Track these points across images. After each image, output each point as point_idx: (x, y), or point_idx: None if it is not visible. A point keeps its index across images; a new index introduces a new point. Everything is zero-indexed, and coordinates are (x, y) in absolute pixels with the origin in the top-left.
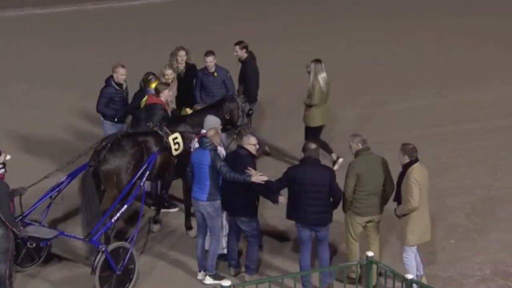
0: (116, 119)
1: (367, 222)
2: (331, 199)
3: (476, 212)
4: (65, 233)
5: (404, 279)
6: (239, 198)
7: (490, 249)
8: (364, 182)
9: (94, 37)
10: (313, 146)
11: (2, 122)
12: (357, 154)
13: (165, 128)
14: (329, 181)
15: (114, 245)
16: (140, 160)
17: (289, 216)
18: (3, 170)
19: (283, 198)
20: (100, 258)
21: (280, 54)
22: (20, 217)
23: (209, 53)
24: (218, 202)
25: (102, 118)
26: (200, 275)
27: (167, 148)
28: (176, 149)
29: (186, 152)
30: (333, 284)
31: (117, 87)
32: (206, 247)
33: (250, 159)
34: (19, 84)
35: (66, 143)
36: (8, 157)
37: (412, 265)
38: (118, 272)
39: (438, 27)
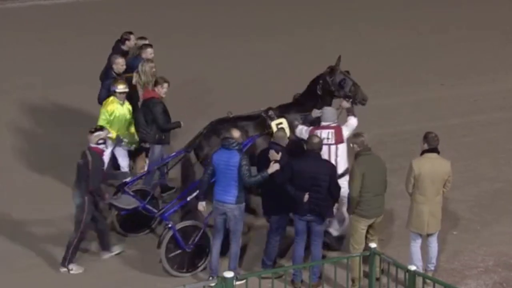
0: None
1: (370, 224)
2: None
3: (479, 205)
4: (146, 206)
5: (407, 271)
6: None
7: (493, 241)
8: (369, 183)
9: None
10: (316, 139)
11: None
12: (358, 154)
13: (271, 112)
14: (329, 176)
15: (184, 223)
16: None
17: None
18: (103, 145)
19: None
20: (166, 234)
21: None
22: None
23: (149, 45)
24: (244, 204)
25: None
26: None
27: (269, 133)
28: None
29: (292, 140)
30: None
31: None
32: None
33: (284, 153)
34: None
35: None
36: (110, 134)
37: (414, 253)
38: (187, 250)
39: (440, 18)
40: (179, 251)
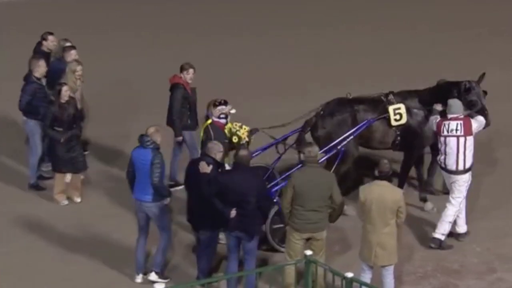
0: (40, 117)
1: (307, 238)
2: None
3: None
4: None
5: (344, 278)
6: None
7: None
8: (301, 197)
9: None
10: (244, 152)
11: None
12: (302, 164)
13: (391, 97)
14: (258, 191)
15: None
16: (350, 126)
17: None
18: (224, 120)
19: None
20: (273, 209)
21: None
22: None
23: (72, 47)
24: (163, 201)
25: (24, 117)
26: (138, 278)
27: (386, 117)
28: (396, 120)
29: (410, 128)
30: None
31: (39, 82)
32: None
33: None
34: None
35: None
36: (233, 110)
37: (364, 280)
38: None
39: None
40: (282, 225)
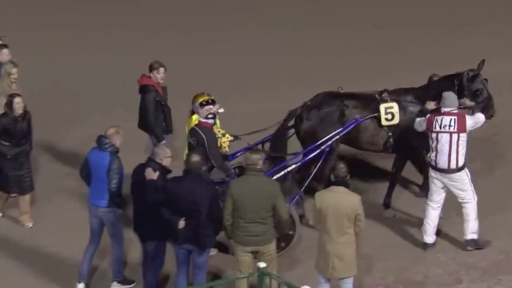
0: None
1: (254, 252)
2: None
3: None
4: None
5: None
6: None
7: (393, 256)
8: (241, 208)
9: None
10: (195, 158)
11: None
12: (244, 171)
13: (385, 94)
14: (209, 200)
15: None
16: (335, 122)
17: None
18: (212, 121)
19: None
20: None
21: None
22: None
23: (4, 45)
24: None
25: None
26: (79, 286)
27: (376, 116)
28: (387, 119)
29: (404, 127)
30: None
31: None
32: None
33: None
34: None
35: None
36: (221, 110)
37: None
38: None
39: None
40: None
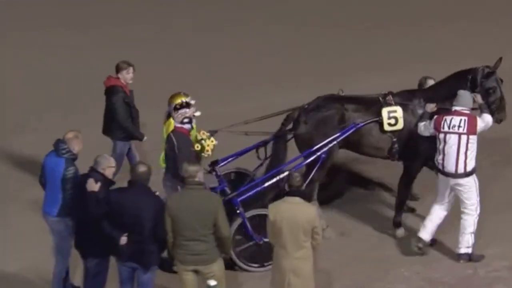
0: None
1: (196, 271)
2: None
3: None
4: (224, 187)
5: None
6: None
7: (353, 271)
8: (180, 225)
9: None
10: (142, 168)
11: None
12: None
13: (389, 97)
14: (152, 213)
15: (255, 211)
16: (335, 126)
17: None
18: (189, 125)
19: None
20: (236, 221)
21: None
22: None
23: None
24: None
25: None
26: None
27: (378, 121)
28: (389, 124)
29: (409, 132)
30: None
31: None
32: None
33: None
34: None
35: None
36: (198, 113)
37: None
38: (259, 242)
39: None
40: (247, 245)
